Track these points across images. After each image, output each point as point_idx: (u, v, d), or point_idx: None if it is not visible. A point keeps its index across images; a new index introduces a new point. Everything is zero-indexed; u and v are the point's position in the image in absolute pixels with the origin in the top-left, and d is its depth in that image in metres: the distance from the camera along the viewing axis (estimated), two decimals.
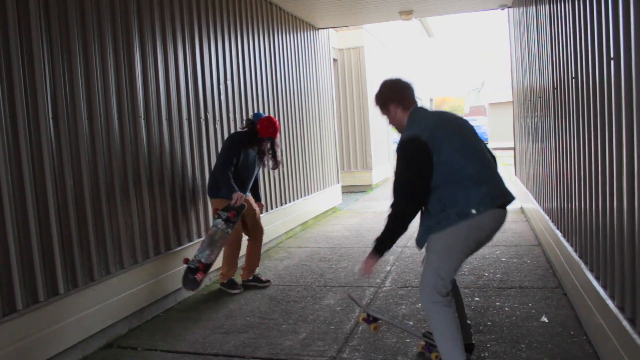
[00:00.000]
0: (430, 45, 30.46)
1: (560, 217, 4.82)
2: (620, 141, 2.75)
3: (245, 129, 5.20)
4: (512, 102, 9.58)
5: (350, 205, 11.12)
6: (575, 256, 4.07)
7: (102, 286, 4.03)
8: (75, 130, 3.87)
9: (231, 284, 5.28)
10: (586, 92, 3.51)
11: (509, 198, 3.17)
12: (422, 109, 3.25)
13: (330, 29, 10.70)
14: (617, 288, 2.96)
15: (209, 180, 5.26)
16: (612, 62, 2.78)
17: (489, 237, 3.15)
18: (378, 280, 5.34)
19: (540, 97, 5.75)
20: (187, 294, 5.15)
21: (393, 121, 3.32)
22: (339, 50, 13.39)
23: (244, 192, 5.19)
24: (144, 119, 4.62)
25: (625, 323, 2.73)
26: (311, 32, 9.29)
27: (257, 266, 5.50)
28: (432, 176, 3.00)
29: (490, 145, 28.05)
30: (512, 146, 10.30)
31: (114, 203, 4.23)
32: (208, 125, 5.65)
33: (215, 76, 5.84)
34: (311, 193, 8.73)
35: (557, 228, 4.91)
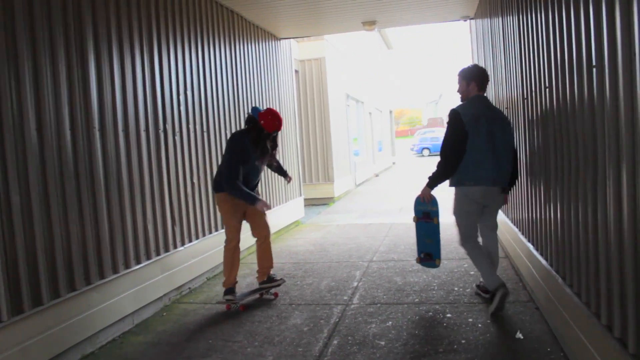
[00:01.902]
0: (390, 57, 30.71)
1: (531, 229, 4.73)
2: (603, 147, 2.65)
3: (247, 127, 5.02)
4: None
5: (312, 219, 10.93)
6: (550, 268, 3.97)
7: (51, 312, 3.73)
8: (22, 142, 3.58)
9: (228, 291, 5.08)
10: (562, 100, 3.41)
11: (500, 181, 4.49)
12: (482, 98, 4.65)
13: (292, 40, 10.56)
14: (594, 298, 2.86)
15: (216, 175, 5.15)
16: (594, 69, 2.68)
17: (485, 204, 4.58)
18: (345, 298, 5.15)
19: (506, 108, 5.69)
20: (145, 315, 4.87)
21: (464, 92, 4.70)
22: (300, 61, 13.26)
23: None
24: (98, 130, 4.34)
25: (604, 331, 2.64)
26: (273, 42, 9.11)
27: (272, 267, 5.37)
28: (465, 144, 4.36)
29: None
30: None
31: (64, 220, 3.93)
32: (167, 137, 5.39)
33: (174, 86, 5.59)
34: (273, 207, 8.51)
35: (529, 240, 4.82)
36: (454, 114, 4.51)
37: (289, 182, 5.77)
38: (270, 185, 8.36)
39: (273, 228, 8.31)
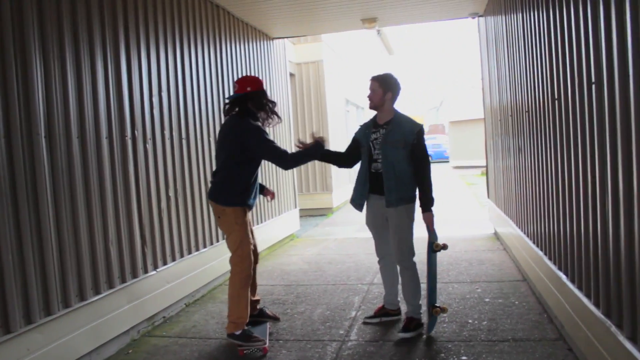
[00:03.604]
0: (391, 63, 30.03)
1: (558, 250, 4.01)
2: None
3: (242, 109, 4.22)
4: (484, 119, 8.86)
5: (309, 232, 10.20)
6: (585, 300, 3.26)
7: None
8: None
9: (248, 336, 4.09)
10: (610, 99, 2.72)
11: None
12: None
13: (287, 42, 9.87)
14: None
15: (218, 183, 4.19)
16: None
17: None
18: (342, 332, 4.42)
19: (527, 112, 4.98)
20: (107, 353, 4.14)
21: (379, 100, 4.28)
22: (297, 64, 12.55)
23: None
24: (44, 137, 3.63)
25: None
26: (265, 42, 8.41)
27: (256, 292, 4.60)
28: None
29: (452, 164, 27.81)
30: (477, 165, 9.61)
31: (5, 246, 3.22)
32: (136, 145, 4.67)
33: (146, 87, 4.88)
34: (264, 220, 7.78)
35: (558, 266, 4.08)
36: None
37: (271, 199, 4.85)
38: (261, 196, 7.61)
39: (264, 243, 7.61)
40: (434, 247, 4.17)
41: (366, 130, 4.41)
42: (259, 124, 4.23)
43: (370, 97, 4.32)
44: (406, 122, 4.24)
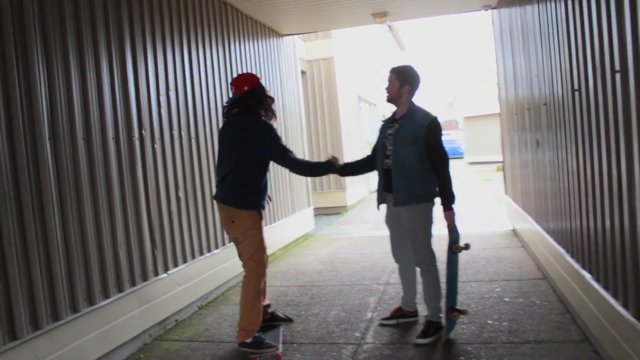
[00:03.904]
0: (403, 59, 29.84)
1: (580, 247, 3.85)
2: None
3: (244, 107, 4.06)
4: (500, 114, 8.68)
5: (323, 230, 10.08)
6: (612, 300, 3.11)
7: None
8: None
9: (259, 343, 3.95)
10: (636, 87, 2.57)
11: None
12: None
13: (297, 39, 9.75)
14: None
15: (231, 186, 4.00)
16: None
17: None
18: (357, 334, 4.30)
19: (544, 104, 4.82)
20: (118, 358, 4.05)
21: (395, 93, 4.11)
22: (308, 61, 12.43)
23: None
24: (49, 138, 3.54)
25: None
26: (275, 39, 8.29)
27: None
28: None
29: (467, 160, 27.54)
30: (492, 160, 9.42)
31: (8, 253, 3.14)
32: (144, 145, 4.58)
33: (153, 86, 4.78)
34: (278, 220, 7.67)
35: (581, 264, 3.92)
36: (440, 123, 4.14)
37: (268, 202, 4.52)
38: (274, 195, 7.52)
39: (279, 243, 7.51)
40: (454, 248, 3.98)
41: (385, 124, 4.27)
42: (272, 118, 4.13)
43: (387, 90, 4.16)
44: (418, 116, 4.05)
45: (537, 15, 4.89)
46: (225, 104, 4.21)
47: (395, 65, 4.24)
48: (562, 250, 4.46)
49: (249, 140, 3.93)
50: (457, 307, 4.01)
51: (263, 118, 4.06)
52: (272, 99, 4.17)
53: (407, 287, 4.41)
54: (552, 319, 4.25)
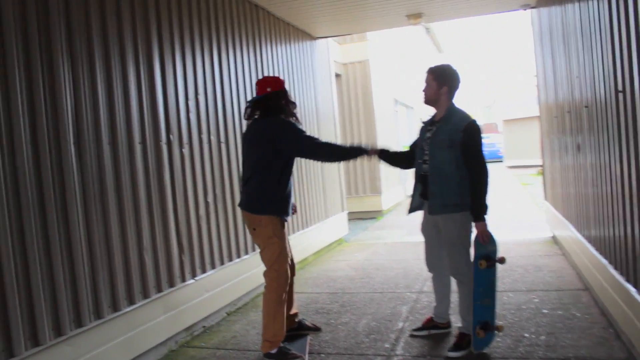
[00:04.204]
0: (440, 61, 29.43)
1: (619, 253, 3.63)
2: None
3: (264, 108, 3.98)
4: (539, 116, 8.39)
5: (358, 235, 9.94)
6: None
7: None
8: None
9: (285, 354, 3.88)
10: None
11: None
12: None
13: (332, 42, 9.65)
14: None
15: (252, 192, 3.93)
16: None
17: None
18: (387, 345, 4.15)
19: (586, 107, 4.59)
20: None
21: (432, 94, 3.90)
22: (343, 64, 12.32)
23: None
24: (74, 143, 3.52)
25: None
26: (308, 42, 8.21)
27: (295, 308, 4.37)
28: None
29: (506, 164, 26.99)
30: (532, 164, 9.10)
31: (21, 256, 3.11)
32: (172, 150, 4.54)
33: (182, 90, 4.74)
34: (311, 225, 7.57)
35: (625, 277, 3.70)
36: (479, 127, 3.87)
37: (293, 213, 4.37)
38: (307, 200, 7.42)
39: (311, 248, 7.41)
40: (479, 264, 3.71)
41: (424, 127, 4.06)
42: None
43: (424, 91, 3.94)
44: (455, 118, 3.82)
45: (578, 14, 4.67)
46: (247, 104, 4.13)
47: (433, 65, 4.00)
48: (604, 261, 4.23)
49: (266, 141, 3.84)
50: (493, 323, 3.79)
51: (281, 119, 3.97)
52: (294, 104, 4.05)
53: (440, 297, 4.24)
54: (594, 334, 4.02)
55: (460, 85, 3.94)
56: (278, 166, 3.86)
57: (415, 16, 7.60)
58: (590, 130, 4.50)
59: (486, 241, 3.71)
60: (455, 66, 3.97)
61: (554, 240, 7.56)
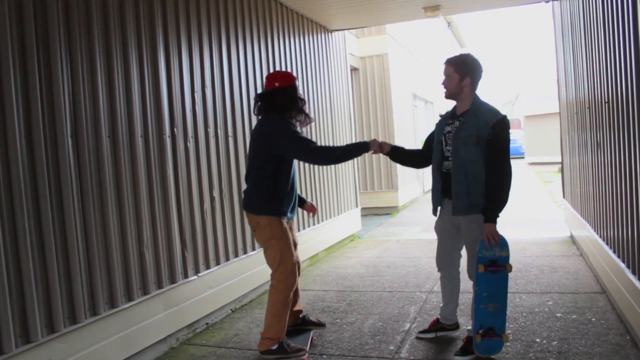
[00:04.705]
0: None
1: (637, 256, 3.46)
2: None
3: (269, 104, 3.82)
4: (559, 113, 8.15)
5: (371, 232, 9.80)
6: None
7: None
8: None
9: (285, 348, 3.75)
10: None
11: None
12: None
13: (349, 35, 9.49)
14: None
15: (250, 190, 3.84)
16: None
17: None
18: (392, 347, 4.02)
19: (606, 102, 4.39)
20: None
21: (454, 87, 3.64)
22: (361, 58, 12.14)
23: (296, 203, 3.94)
24: (71, 136, 3.43)
25: None
26: (323, 34, 8.06)
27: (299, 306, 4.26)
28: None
29: (528, 160, 26.59)
30: (553, 161, 8.86)
31: (14, 253, 3.04)
32: (176, 143, 4.44)
33: (187, 83, 4.64)
34: (323, 220, 7.44)
35: (638, 278, 3.53)
36: (509, 124, 3.59)
37: (312, 215, 4.30)
38: (319, 195, 7.29)
39: (321, 244, 7.29)
40: (478, 267, 3.52)
41: (443, 121, 3.85)
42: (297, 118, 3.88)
43: (444, 85, 3.69)
44: (483, 113, 3.57)
45: (600, 6, 4.46)
46: (255, 98, 4.01)
47: (451, 56, 3.74)
48: (622, 264, 4.04)
49: (262, 140, 3.72)
50: (499, 331, 3.62)
51: (295, 120, 3.85)
52: (303, 101, 3.88)
53: (448, 298, 4.08)
54: (609, 341, 3.84)
55: (483, 74, 3.70)
56: (273, 166, 3.72)
57: (432, 8, 7.41)
58: (611, 127, 4.30)
59: (493, 244, 3.52)
60: (475, 55, 3.73)
61: (572, 239, 7.35)
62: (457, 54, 3.77)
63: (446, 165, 3.72)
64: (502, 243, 3.54)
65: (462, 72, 3.61)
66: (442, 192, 3.80)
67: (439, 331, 4.12)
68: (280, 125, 3.72)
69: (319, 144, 3.76)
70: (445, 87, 3.70)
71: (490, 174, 3.51)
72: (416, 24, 14.67)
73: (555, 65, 8.11)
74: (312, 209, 4.22)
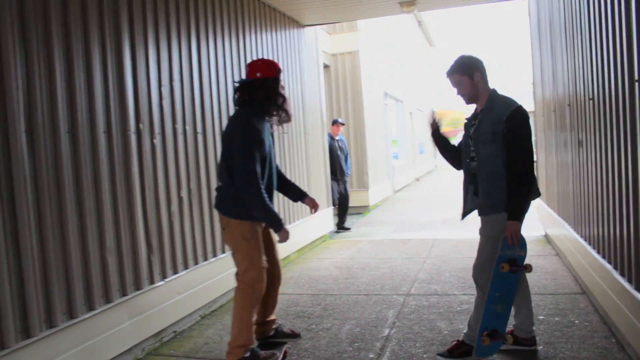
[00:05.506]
0: (432, 55, 29.09)
1: (621, 255, 3.32)
2: None
3: (244, 98, 3.57)
4: (534, 111, 8.08)
5: (343, 232, 9.60)
6: None
7: None
8: None
9: (257, 355, 3.56)
10: None
11: None
12: None
13: (321, 31, 9.28)
14: None
15: (222, 190, 3.63)
16: None
17: None
18: (372, 355, 3.82)
19: (591, 99, 4.27)
20: None
21: (470, 90, 3.50)
22: (332, 55, 11.96)
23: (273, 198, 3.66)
24: (25, 132, 3.14)
25: None
26: (295, 29, 7.83)
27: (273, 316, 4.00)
28: None
29: None
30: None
31: None
32: (142, 140, 4.17)
33: (154, 76, 4.37)
34: (294, 221, 7.22)
35: (623, 276, 3.39)
36: (525, 110, 3.43)
37: (315, 209, 4.03)
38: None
39: (294, 245, 7.07)
40: (500, 266, 3.36)
41: (468, 122, 3.69)
42: (267, 114, 3.63)
43: (460, 93, 3.56)
44: (498, 107, 3.44)
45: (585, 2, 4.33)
46: (234, 85, 3.74)
47: (447, 69, 3.57)
48: (607, 265, 3.92)
49: (226, 136, 3.49)
50: (502, 332, 3.46)
51: (273, 116, 3.60)
52: (284, 98, 3.63)
53: (517, 307, 3.66)
54: (595, 344, 3.72)
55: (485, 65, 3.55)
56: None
57: (408, 3, 7.24)
58: (595, 125, 4.18)
59: (516, 243, 3.36)
60: (469, 54, 3.58)
61: (547, 239, 7.28)
62: (451, 63, 3.57)
63: (473, 167, 3.58)
64: (522, 242, 3.42)
65: (469, 71, 3.49)
66: (474, 194, 3.62)
67: (514, 344, 3.66)
68: (240, 127, 3.45)
69: (260, 177, 3.44)
70: (462, 95, 3.57)
71: (509, 171, 3.35)
72: (387, 22, 14.58)
73: (530, 63, 8.04)
74: (313, 204, 3.97)
